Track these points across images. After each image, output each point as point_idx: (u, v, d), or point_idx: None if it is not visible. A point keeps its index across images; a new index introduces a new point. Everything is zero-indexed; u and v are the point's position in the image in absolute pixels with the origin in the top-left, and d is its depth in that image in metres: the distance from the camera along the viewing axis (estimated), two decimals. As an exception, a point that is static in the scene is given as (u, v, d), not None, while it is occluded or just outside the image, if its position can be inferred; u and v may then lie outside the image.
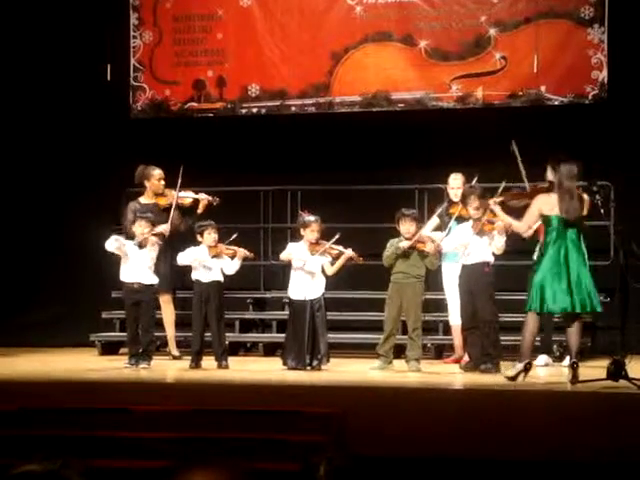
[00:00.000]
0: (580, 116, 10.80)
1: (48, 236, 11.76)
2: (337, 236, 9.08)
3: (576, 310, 7.91)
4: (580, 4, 10.89)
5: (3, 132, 11.91)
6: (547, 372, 9.02)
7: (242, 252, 9.30)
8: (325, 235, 9.21)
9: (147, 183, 10.09)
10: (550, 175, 8.14)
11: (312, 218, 9.19)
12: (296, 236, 9.36)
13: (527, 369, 7.90)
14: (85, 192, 11.60)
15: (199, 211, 9.99)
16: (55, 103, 11.84)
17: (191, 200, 10.04)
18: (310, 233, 9.13)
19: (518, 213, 8.73)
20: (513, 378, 7.85)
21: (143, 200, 10.07)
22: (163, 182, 10.07)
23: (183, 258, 9.33)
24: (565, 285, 7.88)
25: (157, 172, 10.07)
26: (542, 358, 9.34)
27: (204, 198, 9.98)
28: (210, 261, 9.29)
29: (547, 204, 8.05)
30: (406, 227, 9.07)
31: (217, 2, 11.76)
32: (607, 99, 10.78)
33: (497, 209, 8.62)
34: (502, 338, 9.03)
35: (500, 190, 8.83)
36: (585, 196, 8.15)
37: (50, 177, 11.84)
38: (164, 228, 9.67)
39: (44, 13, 11.85)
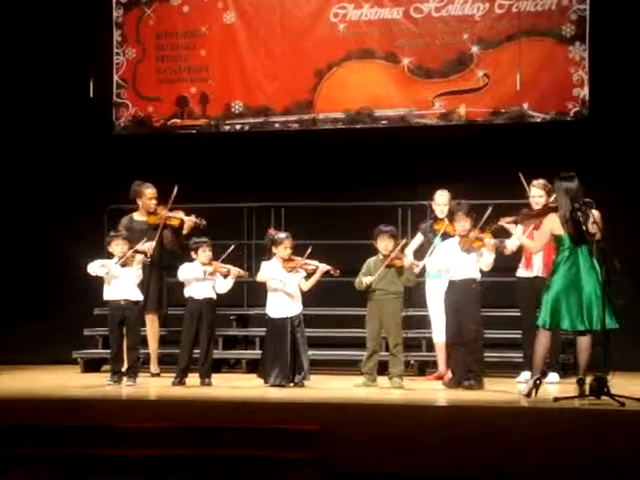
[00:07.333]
0: (562, 133, 10.86)
1: (30, 253, 11.73)
2: (309, 251, 9.08)
3: (586, 328, 7.95)
4: (562, 22, 10.96)
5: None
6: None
7: (236, 271, 9.30)
8: (297, 250, 9.19)
9: (139, 201, 10.15)
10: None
11: (283, 235, 9.22)
12: (267, 254, 9.32)
13: (538, 384, 7.95)
14: (67, 209, 11.59)
15: (184, 232, 10.03)
16: (38, 119, 11.84)
17: (179, 221, 10.07)
18: (283, 250, 9.14)
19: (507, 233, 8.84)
20: (528, 395, 7.92)
21: (136, 217, 10.15)
22: (155, 201, 10.10)
23: (183, 273, 9.29)
24: (577, 303, 7.94)
25: (149, 191, 10.12)
26: (552, 375, 9.33)
27: (190, 219, 10.01)
28: (204, 278, 9.27)
29: (558, 223, 8.08)
30: (384, 244, 9.08)
31: (200, 19, 11.79)
32: (588, 116, 10.85)
33: (511, 228, 8.63)
34: (486, 354, 9.03)
35: (485, 216, 8.78)
36: (595, 212, 8.14)
37: (32, 193, 11.81)
38: (148, 246, 9.66)
39: (28, 29, 11.85)
